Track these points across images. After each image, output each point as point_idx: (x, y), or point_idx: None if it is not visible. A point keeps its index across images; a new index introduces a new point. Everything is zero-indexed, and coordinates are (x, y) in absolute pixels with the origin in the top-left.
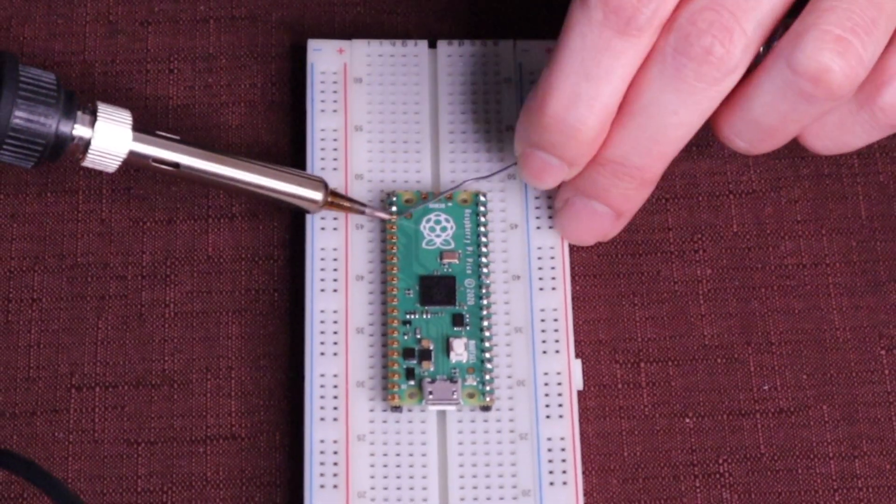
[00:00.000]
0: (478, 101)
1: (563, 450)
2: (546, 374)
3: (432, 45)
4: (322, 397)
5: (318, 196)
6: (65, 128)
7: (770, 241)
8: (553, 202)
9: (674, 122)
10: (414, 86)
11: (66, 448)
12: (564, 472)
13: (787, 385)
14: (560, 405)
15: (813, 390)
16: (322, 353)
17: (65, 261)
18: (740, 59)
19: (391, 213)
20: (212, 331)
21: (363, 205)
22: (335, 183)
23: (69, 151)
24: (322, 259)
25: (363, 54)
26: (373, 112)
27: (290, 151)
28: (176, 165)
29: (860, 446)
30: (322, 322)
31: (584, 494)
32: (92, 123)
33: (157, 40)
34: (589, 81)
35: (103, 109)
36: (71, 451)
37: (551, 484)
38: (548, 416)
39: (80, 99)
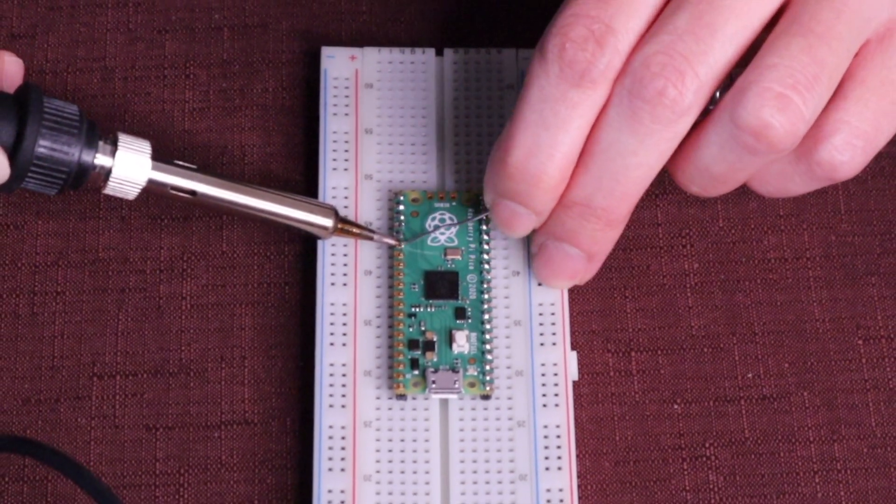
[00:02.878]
0: (482, 106)
1: (558, 436)
2: (543, 364)
3: (439, 53)
4: (331, 385)
5: (328, 223)
6: (87, 157)
7: (754, 235)
8: (529, 248)
9: (633, 162)
10: (422, 91)
11: (88, 433)
12: (560, 457)
13: (769, 373)
14: (556, 394)
15: (794, 378)
16: (331, 344)
17: (87, 256)
18: (693, 101)
19: (398, 240)
20: (226, 322)
21: (372, 231)
22: (345, 183)
23: (91, 179)
24: (332, 255)
25: (374, 61)
26: (382, 116)
27: (300, 153)
28: (193, 193)
29: (839, 431)
30: (332, 314)
31: (578, 476)
32: (113, 153)
33: (175, 47)
34: (548, 131)
35: (124, 139)
36: (92, 436)
37: (547, 469)
38: (544, 405)
39: (101, 130)
